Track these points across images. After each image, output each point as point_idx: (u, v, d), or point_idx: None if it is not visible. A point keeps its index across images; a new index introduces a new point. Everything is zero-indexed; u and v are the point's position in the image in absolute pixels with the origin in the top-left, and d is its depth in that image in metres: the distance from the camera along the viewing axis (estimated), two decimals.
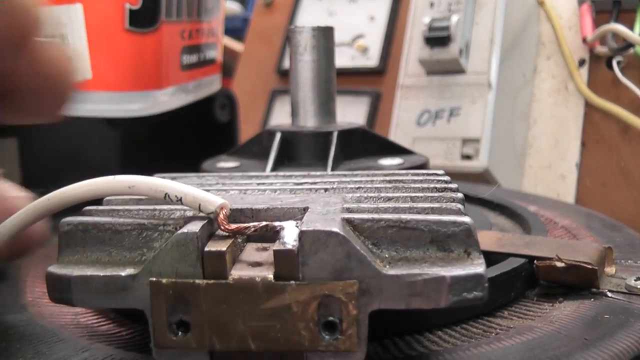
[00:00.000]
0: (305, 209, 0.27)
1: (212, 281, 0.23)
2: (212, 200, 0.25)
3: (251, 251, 0.25)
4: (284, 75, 1.02)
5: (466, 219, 0.25)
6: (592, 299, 0.36)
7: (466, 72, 0.75)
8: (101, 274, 0.24)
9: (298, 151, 0.44)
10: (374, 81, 0.96)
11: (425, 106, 0.76)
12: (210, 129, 0.76)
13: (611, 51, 0.76)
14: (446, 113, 0.75)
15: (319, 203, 0.27)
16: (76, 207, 0.28)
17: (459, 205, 0.27)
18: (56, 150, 0.66)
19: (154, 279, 0.24)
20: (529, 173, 0.81)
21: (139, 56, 0.55)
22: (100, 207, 0.28)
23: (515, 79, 0.79)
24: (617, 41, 0.76)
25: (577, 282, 0.38)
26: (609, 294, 0.37)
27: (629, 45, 0.74)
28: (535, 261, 0.38)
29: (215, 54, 0.70)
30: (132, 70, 0.56)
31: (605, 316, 0.33)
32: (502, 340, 0.31)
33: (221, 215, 0.25)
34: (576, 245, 0.41)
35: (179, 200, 0.25)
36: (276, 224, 0.25)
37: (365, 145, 0.46)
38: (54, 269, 0.25)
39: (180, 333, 0.24)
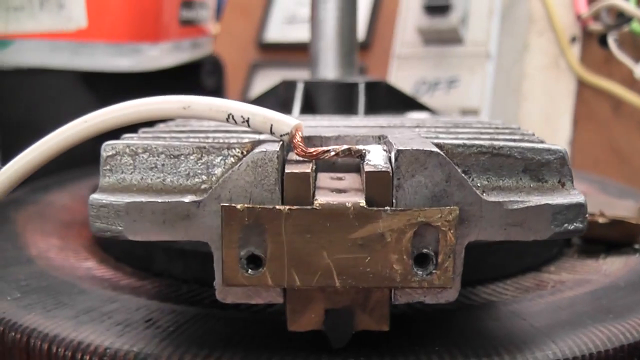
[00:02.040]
0: (381, 137, 0.24)
1: (295, 207, 0.20)
2: (286, 120, 0.22)
3: (327, 180, 0.23)
4: (265, 48, 0.99)
5: (560, 147, 0.23)
6: (637, 255, 0.35)
7: (464, 42, 0.73)
8: (159, 200, 0.21)
9: (320, 103, 0.41)
10: (359, 55, 0.94)
11: (421, 77, 0.74)
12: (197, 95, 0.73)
13: (606, 28, 0.76)
14: (443, 83, 0.73)
15: (393, 133, 0.24)
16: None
17: (542, 140, 0.25)
18: (30, 109, 0.62)
19: (226, 204, 0.21)
20: None
21: (138, 2, 0.52)
22: (141, 134, 0.25)
23: (507, 53, 0.78)
24: (611, 18, 0.75)
25: (619, 238, 0.36)
26: None
27: (624, 21, 0.73)
28: None
29: (208, 15, 0.66)
30: (129, 19, 0.52)
31: None
32: (564, 292, 0.30)
33: (297, 137, 0.22)
34: (614, 203, 0.40)
35: (246, 122, 0.22)
36: (360, 147, 0.22)
37: (390, 99, 0.43)
38: (100, 196, 0.22)
39: (250, 270, 0.21)
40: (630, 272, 0.32)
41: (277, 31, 0.96)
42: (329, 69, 0.43)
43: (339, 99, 0.41)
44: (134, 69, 0.55)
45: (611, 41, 0.77)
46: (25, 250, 0.35)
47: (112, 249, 0.36)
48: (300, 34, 0.84)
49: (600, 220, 0.36)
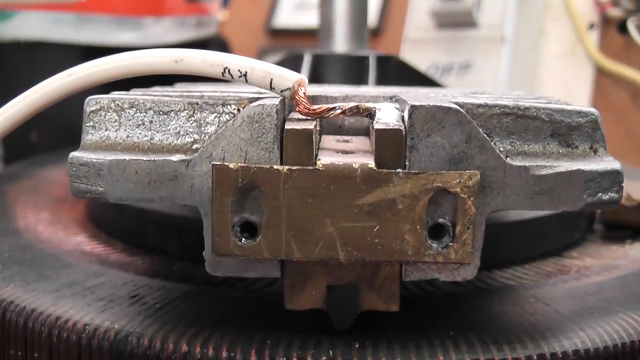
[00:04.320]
0: (393, 98, 0.22)
1: (296, 167, 0.18)
2: (287, 74, 0.20)
3: (332, 142, 0.20)
4: (275, 33, 0.97)
5: (592, 109, 0.21)
6: None
7: (478, 25, 0.71)
8: (144, 158, 0.19)
9: (328, 76, 0.39)
10: (370, 42, 0.92)
11: (434, 61, 0.72)
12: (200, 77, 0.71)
13: (625, 13, 0.74)
14: (456, 68, 0.71)
15: (407, 94, 0.22)
16: None
17: (570, 103, 0.22)
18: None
19: (218, 162, 0.18)
20: None
21: None
22: (131, 92, 0.23)
23: (522, 40, 0.75)
24: (631, 2, 0.73)
25: None
26: None
27: None
28: None
29: None
30: None
31: None
32: (590, 277, 0.27)
33: (300, 93, 0.20)
34: (638, 187, 0.37)
35: (243, 76, 0.20)
36: (369, 104, 0.20)
37: (401, 74, 0.41)
38: (80, 153, 0.20)
39: (244, 239, 0.19)
40: None
41: (287, 17, 0.94)
42: (338, 42, 0.41)
43: (348, 72, 0.39)
44: (137, 44, 0.53)
45: (631, 27, 0.75)
46: (13, 223, 0.33)
47: (104, 223, 0.34)
48: (310, 19, 0.82)
49: (627, 203, 0.34)
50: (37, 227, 0.33)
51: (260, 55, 0.97)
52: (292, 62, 0.40)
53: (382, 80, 0.39)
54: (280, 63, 0.41)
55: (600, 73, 0.78)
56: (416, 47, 0.75)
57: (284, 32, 0.94)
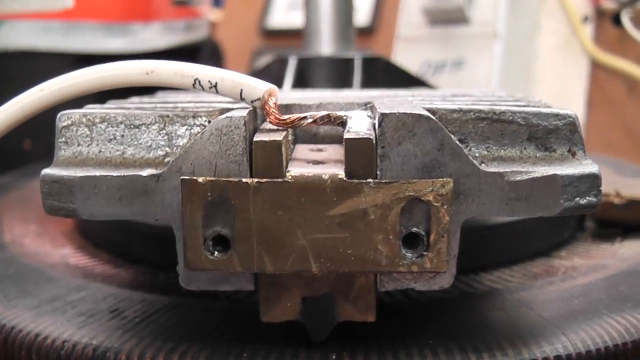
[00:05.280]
0: (367, 105, 0.22)
1: (265, 180, 0.18)
2: (257, 84, 0.20)
3: (304, 151, 0.20)
4: (268, 34, 0.96)
5: (569, 112, 0.20)
6: None
7: (471, 22, 0.70)
8: (114, 174, 0.19)
9: (314, 79, 0.39)
10: (363, 41, 0.91)
11: (426, 58, 0.72)
12: None
13: (619, 5, 0.73)
14: (449, 65, 0.70)
15: (382, 100, 0.22)
16: None
17: (550, 105, 0.22)
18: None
19: (187, 177, 0.18)
20: None
21: None
22: (106, 104, 0.23)
23: (516, 35, 0.75)
24: None
25: (635, 220, 0.34)
26: None
27: None
28: None
29: None
30: None
31: None
32: (577, 278, 0.27)
33: (270, 103, 0.19)
34: (630, 184, 0.37)
35: (214, 87, 0.20)
36: (341, 113, 0.19)
37: (388, 75, 0.40)
38: (52, 170, 0.20)
39: (216, 253, 0.18)
40: None
41: (280, 17, 0.94)
42: (323, 43, 0.40)
43: (333, 74, 0.39)
44: (126, 50, 0.53)
45: (625, 19, 0.74)
46: (0, 236, 0.33)
47: (91, 235, 0.34)
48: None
49: (616, 200, 0.33)
50: (24, 240, 0.33)
51: (255, 56, 0.97)
52: (278, 66, 0.40)
53: (368, 82, 0.39)
54: (267, 67, 0.41)
55: (596, 66, 0.77)
56: (409, 44, 0.74)
57: (278, 33, 0.93)
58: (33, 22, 0.53)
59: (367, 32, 0.93)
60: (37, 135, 0.55)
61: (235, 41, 1.01)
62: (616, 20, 0.75)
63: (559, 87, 0.79)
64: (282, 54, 0.40)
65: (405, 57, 0.74)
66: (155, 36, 0.54)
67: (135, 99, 0.27)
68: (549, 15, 0.82)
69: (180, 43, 0.58)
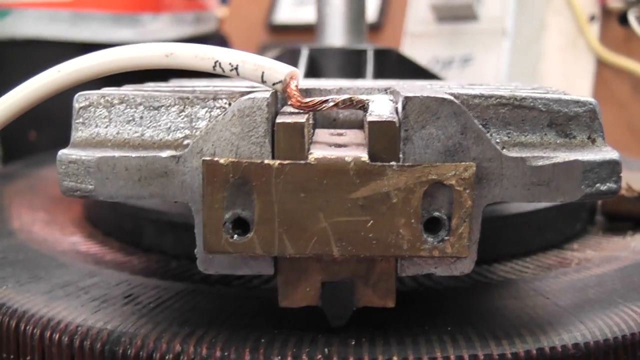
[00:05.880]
0: (387, 90, 0.21)
1: (287, 162, 0.18)
2: (279, 67, 0.20)
3: (325, 135, 0.20)
4: (275, 29, 0.96)
5: (590, 99, 0.20)
6: None
7: (479, 18, 0.70)
8: (133, 154, 0.19)
9: (326, 70, 0.39)
10: (370, 37, 0.91)
11: (434, 55, 0.71)
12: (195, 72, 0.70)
13: (626, 4, 0.73)
14: (457, 62, 0.70)
15: (403, 86, 0.22)
16: None
17: (568, 93, 0.22)
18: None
19: (208, 158, 0.18)
20: None
21: None
22: (122, 88, 0.23)
23: (523, 33, 0.75)
24: None
25: None
26: None
27: None
28: None
29: None
30: None
31: None
32: (591, 269, 0.27)
33: (292, 86, 0.19)
34: (639, 178, 0.37)
35: (235, 70, 0.20)
36: (362, 96, 0.19)
37: (400, 67, 0.40)
38: (70, 151, 0.19)
39: (236, 236, 0.18)
40: None
41: (287, 13, 0.93)
42: (335, 35, 0.40)
43: (345, 66, 0.38)
44: (134, 41, 0.53)
45: (632, 18, 0.74)
46: (7, 223, 0.33)
47: (100, 223, 0.33)
48: (310, 15, 0.82)
49: (627, 194, 0.33)
50: (33, 227, 0.32)
51: (261, 51, 0.96)
52: (290, 57, 0.40)
53: (380, 74, 0.39)
54: (277, 58, 0.41)
55: (601, 65, 0.77)
56: (417, 41, 0.74)
57: (285, 28, 0.93)
58: (41, 11, 0.53)
59: (374, 29, 0.93)
60: (42, 126, 0.55)
61: (241, 36, 1.00)
62: (622, 19, 0.75)
63: (565, 85, 0.79)
64: (291, 45, 0.40)
65: (413, 54, 0.74)
66: (164, 27, 0.54)
67: (150, 84, 0.26)
68: (555, 13, 0.81)
69: (189, 35, 0.58)
